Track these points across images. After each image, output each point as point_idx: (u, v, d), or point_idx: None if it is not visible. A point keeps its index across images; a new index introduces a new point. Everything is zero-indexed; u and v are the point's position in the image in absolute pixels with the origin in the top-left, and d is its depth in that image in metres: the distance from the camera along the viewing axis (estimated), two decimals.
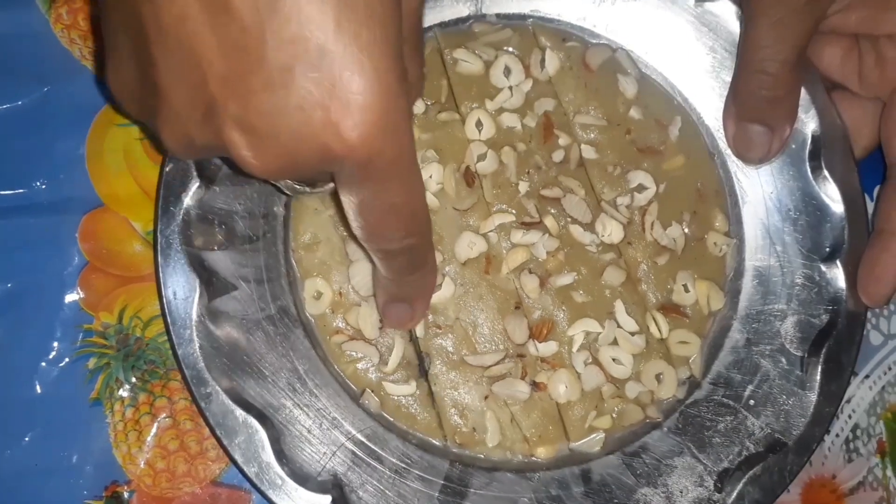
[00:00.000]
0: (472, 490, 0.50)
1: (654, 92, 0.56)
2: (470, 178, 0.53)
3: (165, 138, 0.37)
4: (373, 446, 0.50)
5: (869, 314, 0.58)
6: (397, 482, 0.50)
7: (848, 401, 0.58)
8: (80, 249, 0.55)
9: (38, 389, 0.53)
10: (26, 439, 0.53)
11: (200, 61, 0.33)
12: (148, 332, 0.55)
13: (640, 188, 0.54)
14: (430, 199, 0.52)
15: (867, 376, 0.59)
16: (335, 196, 0.51)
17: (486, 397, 0.51)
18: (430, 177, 0.52)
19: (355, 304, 0.52)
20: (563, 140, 0.54)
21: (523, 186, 0.53)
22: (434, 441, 0.52)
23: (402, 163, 0.35)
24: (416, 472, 0.50)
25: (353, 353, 0.51)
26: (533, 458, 0.52)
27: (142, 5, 0.33)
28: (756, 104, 0.51)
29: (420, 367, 0.52)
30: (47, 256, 0.54)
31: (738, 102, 0.52)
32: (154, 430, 0.54)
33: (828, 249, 0.53)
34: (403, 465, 0.50)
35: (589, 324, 0.52)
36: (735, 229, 0.55)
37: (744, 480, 0.50)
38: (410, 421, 0.52)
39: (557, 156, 0.54)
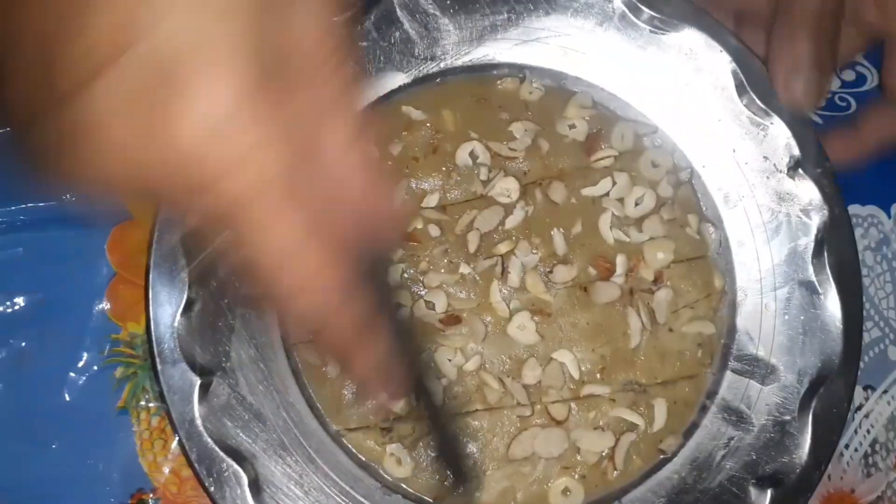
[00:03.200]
0: None
1: None
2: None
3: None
4: None
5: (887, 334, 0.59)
6: None
7: (867, 416, 0.58)
8: (108, 261, 0.56)
9: (67, 398, 0.54)
10: (54, 447, 0.54)
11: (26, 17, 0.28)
12: None
13: None
14: None
15: (885, 391, 0.59)
16: None
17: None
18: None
19: None
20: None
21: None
22: None
23: (254, 197, 0.28)
24: None
25: None
26: None
27: None
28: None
29: None
30: (76, 268, 0.56)
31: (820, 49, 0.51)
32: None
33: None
34: None
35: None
36: None
37: None
38: None
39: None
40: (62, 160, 0.28)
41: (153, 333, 0.50)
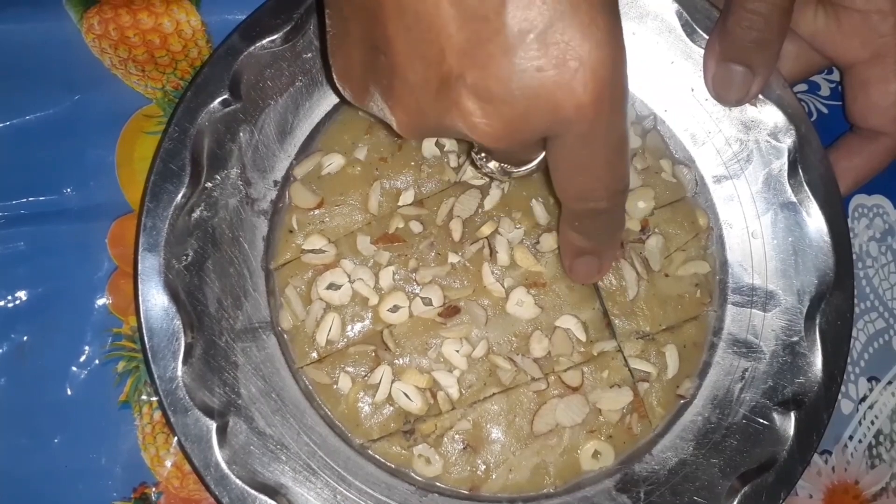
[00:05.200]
0: None
1: None
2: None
3: (398, 117, 0.39)
4: None
5: (892, 325, 0.59)
6: None
7: (871, 407, 0.59)
8: (109, 255, 0.55)
9: (69, 392, 0.54)
10: (56, 441, 0.54)
11: (440, 35, 0.35)
12: None
13: None
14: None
15: (890, 382, 0.59)
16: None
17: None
18: None
19: None
20: None
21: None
22: None
23: (623, 118, 0.37)
24: None
25: None
26: None
27: None
28: (743, 45, 0.51)
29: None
30: (77, 262, 0.55)
31: (726, 42, 0.52)
32: None
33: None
34: None
35: None
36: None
37: None
38: None
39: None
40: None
41: (160, 388, 0.49)
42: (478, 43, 0.34)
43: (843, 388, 0.57)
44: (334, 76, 0.42)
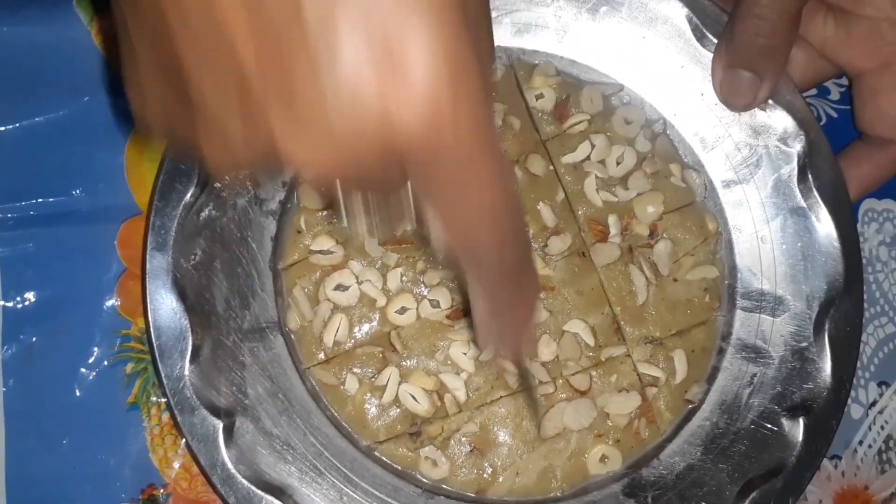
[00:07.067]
0: None
1: None
2: None
3: (206, 152, 0.31)
4: None
5: None
6: None
7: (881, 412, 0.58)
8: (118, 256, 0.56)
9: (77, 394, 0.54)
10: (65, 443, 0.54)
11: (232, 45, 0.27)
12: None
13: None
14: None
15: None
16: None
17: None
18: None
19: None
20: None
21: None
22: None
23: (478, 152, 0.28)
24: None
25: None
26: None
27: None
28: (750, 51, 0.51)
29: None
30: (86, 263, 0.55)
31: (733, 48, 0.52)
32: None
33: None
34: None
35: None
36: None
37: None
38: None
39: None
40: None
41: (167, 387, 0.49)
42: (277, 55, 0.27)
43: (852, 393, 0.57)
44: (134, 109, 0.33)
